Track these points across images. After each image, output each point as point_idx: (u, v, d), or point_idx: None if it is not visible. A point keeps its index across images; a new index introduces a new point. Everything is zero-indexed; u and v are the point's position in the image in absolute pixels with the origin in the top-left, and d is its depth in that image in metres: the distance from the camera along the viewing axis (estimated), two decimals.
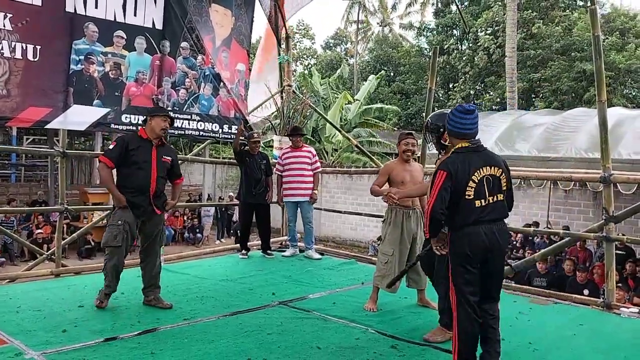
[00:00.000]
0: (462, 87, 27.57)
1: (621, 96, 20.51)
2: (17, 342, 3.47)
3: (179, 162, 4.81)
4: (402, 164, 4.51)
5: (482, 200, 3.07)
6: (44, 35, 4.92)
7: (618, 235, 5.36)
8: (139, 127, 4.63)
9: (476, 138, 3.19)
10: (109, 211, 4.58)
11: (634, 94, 22.20)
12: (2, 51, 4.66)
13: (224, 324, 4.02)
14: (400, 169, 4.49)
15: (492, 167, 3.12)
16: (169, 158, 4.49)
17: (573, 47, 23.15)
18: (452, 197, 3.05)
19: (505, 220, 3.24)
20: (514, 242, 11.40)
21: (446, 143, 3.75)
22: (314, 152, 6.78)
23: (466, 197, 3.04)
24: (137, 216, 4.32)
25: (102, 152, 4.40)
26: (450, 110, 3.27)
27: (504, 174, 3.17)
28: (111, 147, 4.35)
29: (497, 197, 3.12)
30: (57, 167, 9.38)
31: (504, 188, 3.17)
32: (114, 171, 4.34)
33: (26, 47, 4.80)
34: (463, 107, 3.20)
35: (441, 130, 3.69)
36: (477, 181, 3.05)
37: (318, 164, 6.72)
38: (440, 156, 3.94)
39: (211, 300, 4.69)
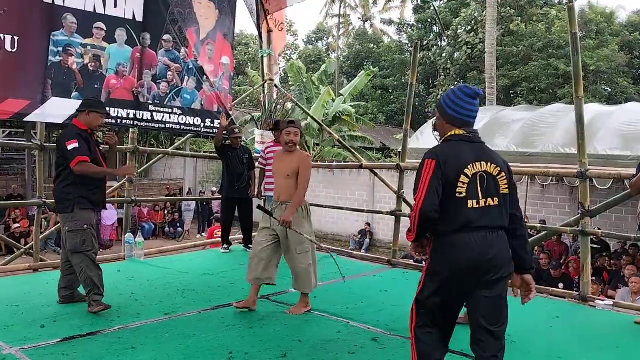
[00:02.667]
0: (443, 82, 27.83)
1: (592, 96, 20.98)
2: None
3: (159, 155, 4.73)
4: (283, 154, 4.33)
5: (475, 201, 2.48)
6: (22, 26, 4.84)
7: (593, 229, 5.47)
8: (73, 119, 4.33)
9: (474, 128, 2.66)
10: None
11: (609, 90, 22.67)
12: None
13: (205, 318, 4.01)
14: (278, 159, 4.35)
15: (488, 164, 2.55)
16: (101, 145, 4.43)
17: (550, 46, 23.56)
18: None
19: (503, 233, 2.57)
20: None
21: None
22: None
23: (457, 194, 2.47)
24: (95, 212, 4.24)
25: (74, 155, 4.02)
26: (447, 93, 2.68)
27: (503, 174, 2.58)
28: (76, 145, 4.00)
29: (492, 200, 2.52)
30: (34, 160, 9.24)
31: (502, 191, 2.56)
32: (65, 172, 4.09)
33: (4, 37, 4.72)
34: (470, 88, 2.62)
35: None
36: (470, 176, 2.49)
37: None
38: None
39: (192, 294, 4.67)
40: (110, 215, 14.89)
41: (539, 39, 23.89)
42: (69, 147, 3.99)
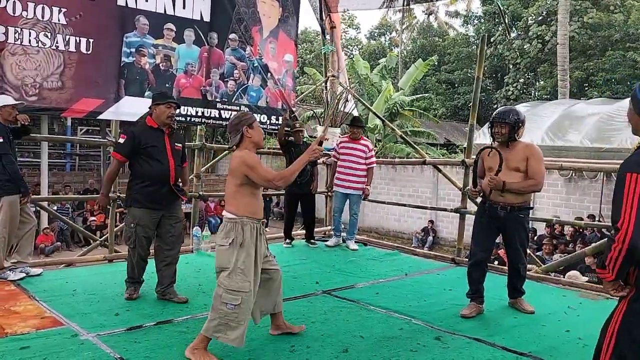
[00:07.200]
0: (514, 76, 26.97)
1: None
2: (73, 324, 3.63)
3: (225, 152, 4.76)
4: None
5: None
6: (97, 29, 5.10)
7: None
8: (147, 116, 4.34)
9: None
10: None
11: None
12: (57, 44, 4.87)
13: None
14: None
15: None
16: (180, 145, 4.32)
17: (627, 38, 22.32)
18: None
19: None
20: (565, 236, 11.09)
21: (518, 138, 4.05)
22: (371, 147, 6.71)
23: None
24: (157, 210, 4.14)
25: (114, 149, 4.23)
26: None
27: None
28: (121, 140, 4.16)
29: None
30: (109, 156, 9.70)
31: None
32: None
33: (79, 40, 4.99)
34: None
35: (520, 124, 3.98)
36: None
37: (373, 159, 6.65)
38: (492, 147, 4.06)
39: None
40: None
41: (616, 30, 22.65)
42: (119, 141, 4.19)
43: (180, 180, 4.35)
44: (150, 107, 4.27)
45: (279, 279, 3.47)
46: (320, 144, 3.25)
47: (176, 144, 4.27)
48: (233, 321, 3.05)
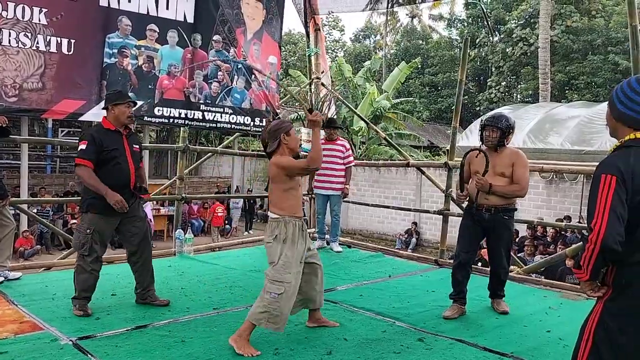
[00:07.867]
0: (496, 79, 27.26)
1: None
2: (52, 328, 3.57)
3: (209, 154, 4.70)
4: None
5: None
6: (78, 29, 5.04)
7: None
8: (102, 118, 4.05)
9: None
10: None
11: None
12: (37, 45, 4.79)
13: None
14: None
15: None
16: (138, 147, 4.10)
17: (609, 42, 22.72)
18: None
19: None
20: (546, 238, 11.22)
21: (507, 144, 4.15)
22: (348, 146, 6.71)
23: None
24: (115, 216, 3.91)
25: (77, 156, 3.87)
26: (621, 84, 2.18)
27: None
28: (83, 147, 3.80)
29: None
30: None
31: None
32: None
33: (61, 40, 4.92)
34: None
35: (510, 130, 4.12)
36: None
37: (351, 158, 6.65)
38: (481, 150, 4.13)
39: (240, 290, 4.74)
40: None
41: (598, 34, 23.04)
42: (79, 148, 3.88)
43: (140, 182, 4.12)
44: (105, 108, 4.02)
45: (320, 274, 3.68)
46: (310, 111, 3.51)
47: (134, 145, 4.07)
48: (275, 309, 3.29)
